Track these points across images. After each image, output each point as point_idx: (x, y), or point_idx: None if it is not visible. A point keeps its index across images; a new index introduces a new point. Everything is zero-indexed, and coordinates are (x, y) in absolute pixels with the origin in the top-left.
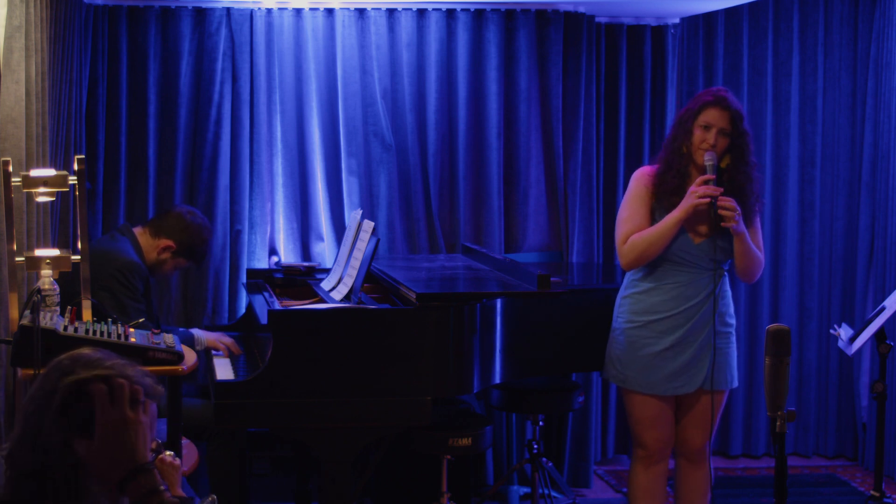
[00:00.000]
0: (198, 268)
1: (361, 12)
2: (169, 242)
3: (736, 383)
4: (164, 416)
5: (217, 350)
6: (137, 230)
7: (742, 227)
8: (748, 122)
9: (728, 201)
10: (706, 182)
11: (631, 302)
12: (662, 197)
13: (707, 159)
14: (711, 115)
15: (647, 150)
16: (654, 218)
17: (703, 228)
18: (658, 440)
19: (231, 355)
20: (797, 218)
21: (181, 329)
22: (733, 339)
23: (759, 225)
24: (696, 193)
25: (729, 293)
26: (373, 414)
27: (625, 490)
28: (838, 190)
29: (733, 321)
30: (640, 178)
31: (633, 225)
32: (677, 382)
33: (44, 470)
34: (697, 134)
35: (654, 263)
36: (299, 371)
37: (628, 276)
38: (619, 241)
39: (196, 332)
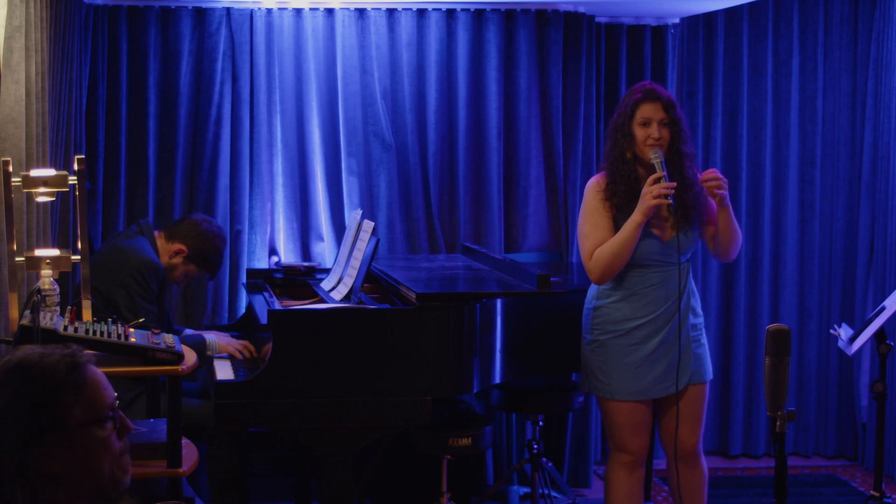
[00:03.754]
0: (212, 278)
1: (361, 12)
2: (181, 246)
3: (711, 375)
4: (163, 416)
5: (224, 354)
6: (155, 233)
7: (728, 198)
8: (680, 109)
9: (711, 172)
10: (658, 180)
11: (608, 311)
12: (619, 206)
13: (653, 157)
14: (647, 110)
15: None
16: (618, 226)
17: (667, 225)
18: (643, 445)
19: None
20: (797, 218)
21: (189, 332)
22: (704, 329)
23: (708, 201)
24: (651, 193)
25: (695, 286)
26: (373, 414)
27: None
28: (838, 190)
29: (701, 311)
30: (594, 188)
31: (596, 239)
32: (666, 383)
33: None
34: (639, 133)
35: (624, 270)
36: (299, 371)
37: (599, 287)
38: (585, 258)
39: (208, 336)
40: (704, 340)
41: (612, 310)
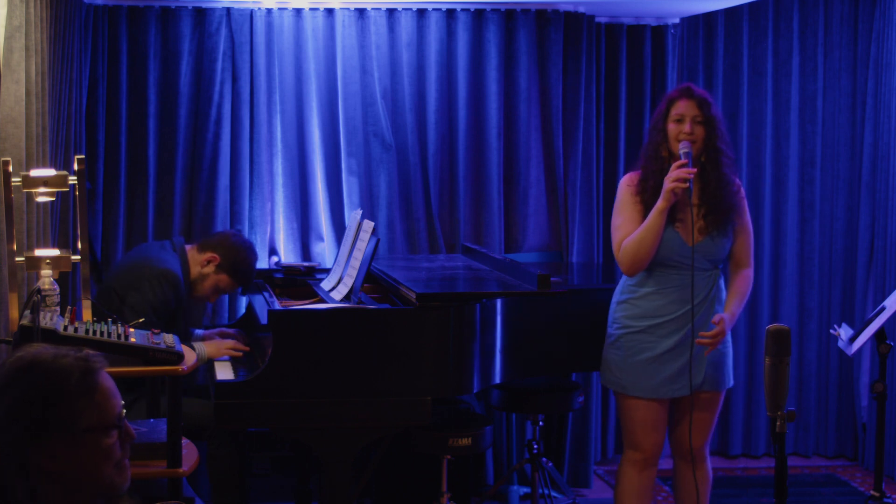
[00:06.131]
0: (244, 292)
1: (361, 12)
2: (213, 255)
3: (732, 382)
4: (163, 416)
5: (223, 357)
6: (188, 248)
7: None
8: (717, 108)
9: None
10: (680, 167)
11: (628, 307)
12: (649, 203)
13: (682, 148)
14: (680, 107)
15: None
16: None
17: (695, 229)
18: (656, 444)
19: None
20: (797, 218)
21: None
22: (730, 338)
23: (745, 210)
24: (671, 177)
25: (724, 294)
26: (373, 414)
27: None
28: (838, 190)
29: None
30: (626, 183)
31: (626, 231)
32: (677, 385)
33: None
34: (672, 128)
35: (650, 268)
36: (299, 371)
37: (625, 281)
38: (615, 250)
39: (198, 346)
40: (727, 349)
41: (632, 306)
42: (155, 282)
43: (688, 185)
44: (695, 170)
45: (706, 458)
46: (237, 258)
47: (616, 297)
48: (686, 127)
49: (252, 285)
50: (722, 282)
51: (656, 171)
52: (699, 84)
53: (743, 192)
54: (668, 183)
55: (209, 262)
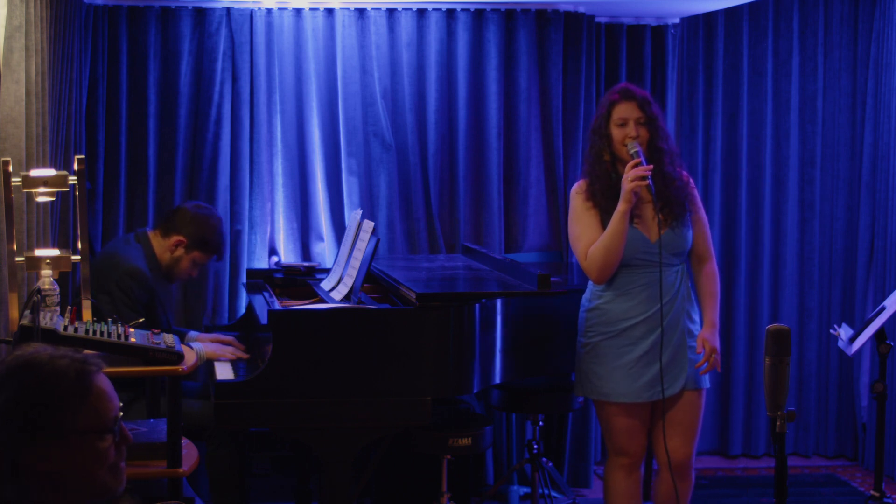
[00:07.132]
0: (219, 260)
1: (361, 12)
2: (179, 238)
3: (709, 384)
4: (163, 416)
5: (222, 359)
6: (151, 233)
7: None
8: (656, 106)
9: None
10: (636, 165)
11: (599, 313)
12: (602, 206)
13: (631, 148)
14: (622, 110)
15: None
16: (605, 227)
17: (654, 224)
18: (641, 446)
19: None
20: (797, 218)
21: (193, 333)
22: None
23: (698, 200)
24: (629, 178)
25: (692, 289)
26: (373, 414)
27: None
28: (838, 190)
29: (699, 318)
30: (576, 192)
31: (588, 238)
32: (659, 387)
33: None
34: (616, 133)
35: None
36: (299, 371)
37: (591, 289)
38: (581, 258)
39: (196, 346)
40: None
41: (604, 310)
42: (122, 282)
43: (647, 182)
44: (651, 166)
45: (692, 468)
46: (203, 233)
47: (584, 307)
48: (631, 131)
49: (251, 284)
50: (688, 278)
51: (601, 175)
52: (699, 84)
53: (692, 182)
54: (627, 184)
55: (177, 245)
